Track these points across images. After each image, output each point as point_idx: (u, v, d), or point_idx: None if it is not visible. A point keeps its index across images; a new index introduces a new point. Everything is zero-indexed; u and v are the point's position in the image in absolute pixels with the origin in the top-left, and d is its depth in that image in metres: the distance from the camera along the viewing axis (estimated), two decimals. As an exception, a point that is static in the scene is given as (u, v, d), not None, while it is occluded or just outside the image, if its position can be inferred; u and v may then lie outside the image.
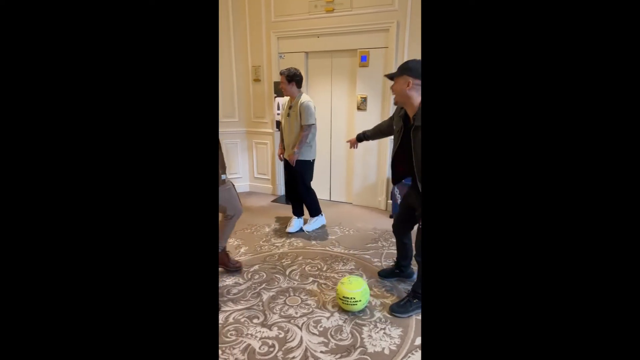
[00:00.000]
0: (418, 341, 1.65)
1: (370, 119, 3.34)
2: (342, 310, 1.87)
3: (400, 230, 2.10)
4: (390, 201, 3.38)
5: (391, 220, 3.18)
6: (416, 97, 1.60)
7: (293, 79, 2.66)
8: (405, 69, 1.60)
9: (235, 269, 2.29)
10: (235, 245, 2.68)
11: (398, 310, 1.85)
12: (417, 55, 3.03)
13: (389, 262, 2.42)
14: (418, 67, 1.58)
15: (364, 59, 3.26)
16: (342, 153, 3.66)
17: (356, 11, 3.19)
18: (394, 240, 2.75)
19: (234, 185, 2.20)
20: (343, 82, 3.50)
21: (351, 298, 1.80)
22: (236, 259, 2.41)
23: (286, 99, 2.82)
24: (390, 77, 1.67)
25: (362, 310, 1.87)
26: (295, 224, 2.95)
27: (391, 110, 3.22)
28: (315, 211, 2.94)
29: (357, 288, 1.82)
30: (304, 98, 2.69)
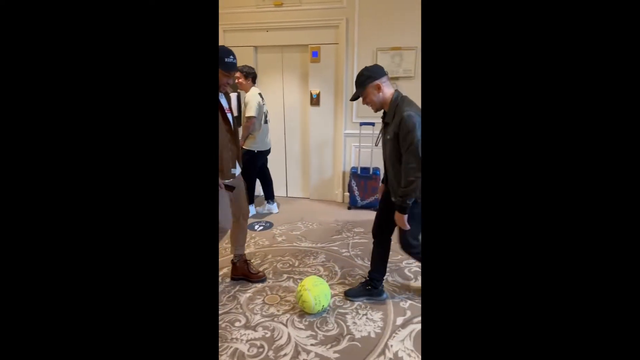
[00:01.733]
0: (399, 321, 1.76)
1: (325, 115, 3.40)
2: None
3: (379, 233, 1.89)
4: (347, 193, 3.49)
5: (350, 212, 3.30)
6: (387, 91, 1.64)
7: (249, 75, 2.85)
8: (368, 78, 1.61)
9: (258, 279, 2.10)
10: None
11: (350, 292, 1.96)
12: (368, 50, 3.16)
13: (357, 252, 2.51)
14: (374, 69, 1.63)
15: (315, 55, 3.30)
16: (296, 149, 3.66)
17: (305, 6, 3.21)
18: (357, 230, 2.88)
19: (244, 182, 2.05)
20: (294, 78, 3.49)
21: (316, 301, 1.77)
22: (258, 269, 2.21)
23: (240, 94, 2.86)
24: (357, 97, 1.68)
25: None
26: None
27: (345, 106, 3.32)
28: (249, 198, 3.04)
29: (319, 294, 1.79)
30: (252, 91, 2.85)
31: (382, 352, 1.56)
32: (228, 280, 2.13)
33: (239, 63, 2.63)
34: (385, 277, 1.98)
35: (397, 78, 3.14)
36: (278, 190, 3.77)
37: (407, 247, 1.76)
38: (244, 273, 2.11)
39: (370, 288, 1.93)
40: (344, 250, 2.54)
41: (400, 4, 3.00)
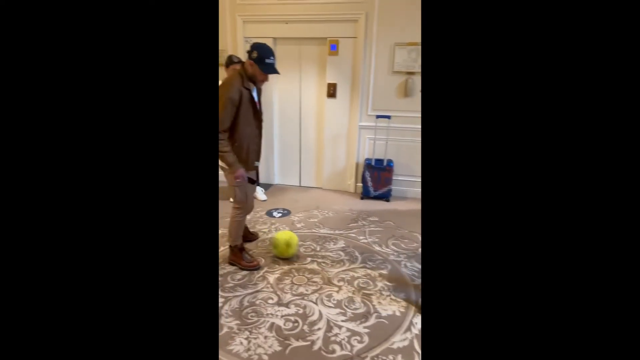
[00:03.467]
0: (419, 302, 1.89)
1: (341, 106, 3.49)
2: (349, 283, 2.03)
3: None
4: (359, 184, 3.60)
5: (363, 202, 3.42)
6: None
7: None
8: None
9: (250, 268, 2.14)
10: (221, 234, 2.64)
11: None
12: (386, 45, 3.24)
13: (374, 239, 2.63)
14: None
15: (333, 48, 3.37)
16: (311, 140, 3.76)
17: (325, 0, 3.27)
18: (372, 219, 2.99)
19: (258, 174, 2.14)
20: (312, 70, 3.57)
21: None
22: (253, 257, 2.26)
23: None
24: None
25: (361, 278, 2.04)
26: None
27: (361, 99, 3.41)
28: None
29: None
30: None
31: (408, 329, 1.69)
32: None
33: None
34: (404, 263, 2.10)
35: (413, 73, 3.23)
36: (291, 180, 3.88)
37: None
38: (235, 260, 2.19)
39: None
40: (361, 237, 2.66)
41: (417, 0, 3.08)
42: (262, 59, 1.83)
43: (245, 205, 2.11)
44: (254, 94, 1.94)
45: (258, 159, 2.07)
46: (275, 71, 1.88)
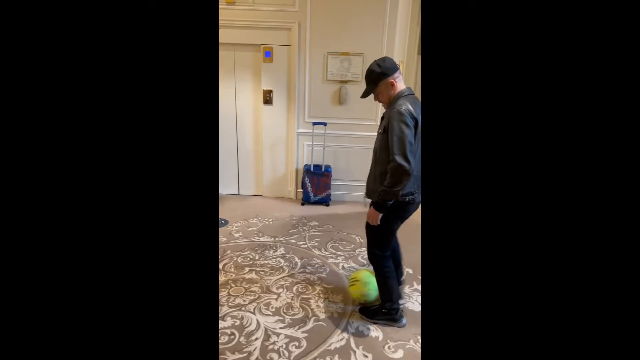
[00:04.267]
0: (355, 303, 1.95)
1: (278, 113, 3.50)
2: (288, 290, 2.02)
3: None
4: (300, 190, 3.63)
5: (304, 207, 3.44)
6: (399, 87, 1.56)
7: None
8: (380, 75, 1.53)
9: None
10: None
11: (366, 312, 1.81)
12: (319, 54, 3.33)
13: (314, 243, 2.66)
14: (387, 65, 1.53)
15: (267, 55, 3.37)
16: (249, 147, 3.70)
17: (258, 7, 3.27)
18: (312, 224, 3.02)
19: None
20: (247, 76, 3.53)
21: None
22: None
23: None
24: (368, 94, 1.60)
25: (310, 287, 2.05)
26: None
27: (297, 106, 3.45)
28: None
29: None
30: None
31: (345, 329, 1.73)
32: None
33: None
34: (342, 264, 2.15)
35: (345, 82, 3.36)
36: (229, 189, 3.77)
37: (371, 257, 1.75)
38: None
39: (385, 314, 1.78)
40: (301, 243, 2.67)
41: (349, 11, 3.22)
42: None
43: None
44: None
45: None
46: None
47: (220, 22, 3.30)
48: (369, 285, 1.84)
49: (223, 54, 3.47)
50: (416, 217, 1.63)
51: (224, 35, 3.36)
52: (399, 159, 1.42)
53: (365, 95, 1.62)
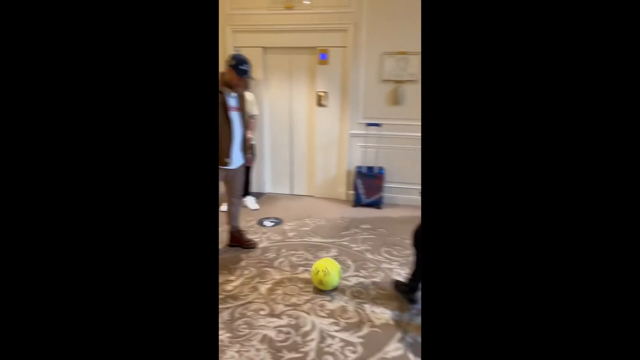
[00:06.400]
0: (414, 311, 1.88)
1: (331, 115, 3.51)
2: (342, 292, 2.01)
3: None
4: (351, 192, 3.60)
5: (356, 209, 3.41)
6: None
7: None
8: None
9: (248, 246, 2.51)
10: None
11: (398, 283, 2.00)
12: (375, 54, 3.28)
13: (366, 247, 2.62)
14: None
15: (323, 57, 3.40)
16: (302, 148, 3.75)
17: (315, 10, 3.30)
18: (364, 227, 2.98)
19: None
20: (302, 79, 3.58)
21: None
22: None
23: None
24: None
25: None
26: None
27: (351, 107, 3.43)
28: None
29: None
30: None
31: (402, 338, 1.67)
32: (247, 272, 2.21)
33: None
34: (397, 270, 2.09)
35: (402, 81, 3.27)
36: (282, 188, 3.86)
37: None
38: (237, 240, 2.54)
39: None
40: (353, 245, 2.65)
41: (405, 10, 3.13)
42: (237, 66, 2.07)
43: (229, 192, 2.40)
44: (229, 99, 2.15)
45: (228, 156, 2.23)
46: (248, 75, 2.14)
47: (278, 26, 3.40)
48: (329, 275, 1.98)
49: (279, 58, 3.57)
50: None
51: (280, 40, 3.45)
52: None
53: None
